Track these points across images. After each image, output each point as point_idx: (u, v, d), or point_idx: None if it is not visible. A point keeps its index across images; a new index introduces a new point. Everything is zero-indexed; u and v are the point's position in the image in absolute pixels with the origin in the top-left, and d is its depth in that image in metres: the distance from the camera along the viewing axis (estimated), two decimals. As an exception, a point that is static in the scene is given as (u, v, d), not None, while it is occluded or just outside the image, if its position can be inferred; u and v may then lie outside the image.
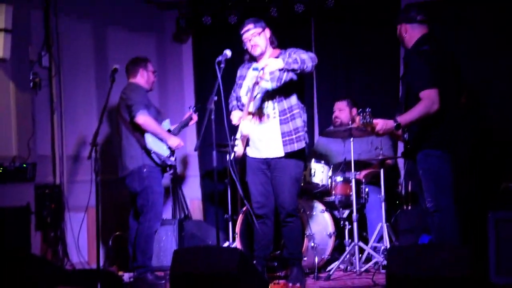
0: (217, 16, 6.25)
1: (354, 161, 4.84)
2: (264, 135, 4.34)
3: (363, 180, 5.11)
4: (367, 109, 3.80)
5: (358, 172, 5.02)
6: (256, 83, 4.17)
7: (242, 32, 4.37)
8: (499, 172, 5.12)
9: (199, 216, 6.51)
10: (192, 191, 6.57)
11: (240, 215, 5.16)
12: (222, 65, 4.23)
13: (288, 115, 4.28)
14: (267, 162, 4.38)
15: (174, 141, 4.94)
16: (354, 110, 5.37)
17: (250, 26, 4.34)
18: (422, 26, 4.15)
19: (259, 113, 4.32)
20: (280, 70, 4.17)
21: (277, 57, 4.28)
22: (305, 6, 5.85)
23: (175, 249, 4.24)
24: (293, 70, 4.16)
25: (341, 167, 5.14)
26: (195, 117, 5.31)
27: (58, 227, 5.31)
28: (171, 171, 6.12)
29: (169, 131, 5.06)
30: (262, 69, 4.09)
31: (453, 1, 5.56)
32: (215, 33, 6.39)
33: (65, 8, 5.75)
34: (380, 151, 5.02)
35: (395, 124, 3.86)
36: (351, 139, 4.84)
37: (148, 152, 4.83)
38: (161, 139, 4.90)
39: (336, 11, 5.87)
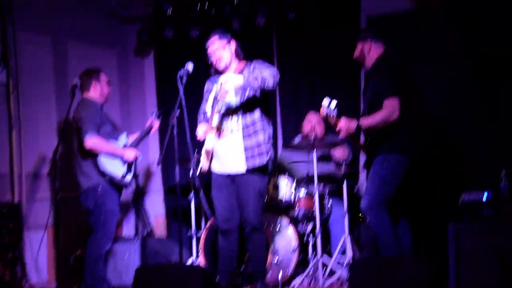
0: (179, 29, 6.21)
1: (318, 175, 4.84)
2: (227, 150, 4.31)
3: (326, 194, 5.13)
4: (335, 100, 3.95)
5: (321, 185, 5.02)
6: (215, 98, 4.15)
7: (207, 43, 4.35)
8: (459, 183, 5.21)
9: (163, 232, 6.44)
10: (156, 207, 6.50)
11: (204, 231, 5.11)
12: (184, 79, 4.21)
13: (251, 130, 4.26)
14: (231, 177, 4.36)
15: (129, 155, 4.80)
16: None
17: (216, 37, 4.32)
18: (381, 43, 4.34)
19: (222, 127, 4.30)
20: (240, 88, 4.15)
21: (241, 70, 4.27)
22: (266, 19, 5.87)
23: (137, 267, 4.16)
24: (253, 88, 4.15)
25: (304, 180, 5.15)
26: (156, 124, 5.14)
27: (17, 247, 5.17)
28: (133, 186, 6.06)
29: (125, 145, 4.91)
30: (221, 84, 4.07)
31: (414, 13, 5.63)
32: (177, 47, 6.36)
33: (24, 22, 5.65)
34: (343, 166, 5.03)
35: (357, 124, 4.11)
36: (314, 151, 4.84)
37: (102, 172, 4.70)
38: (115, 156, 4.78)
39: (297, 24, 5.89)
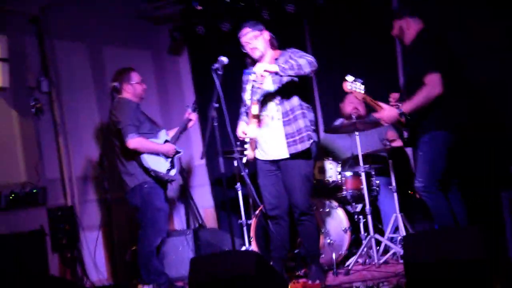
0: (210, 24, 6.27)
1: (362, 154, 4.83)
2: (269, 137, 4.35)
3: (373, 173, 5.11)
4: (359, 80, 4.05)
5: (367, 166, 5.00)
6: (253, 87, 4.16)
7: (240, 36, 4.38)
8: (508, 152, 5.12)
9: (213, 224, 6.52)
10: (204, 200, 6.58)
11: (254, 219, 5.16)
12: (220, 72, 4.25)
13: (291, 116, 4.29)
14: (276, 163, 4.39)
15: (168, 150, 4.84)
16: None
17: (248, 29, 4.35)
18: (418, 18, 4.32)
19: (262, 115, 4.33)
20: (276, 74, 4.17)
21: (277, 58, 4.30)
22: (295, 6, 5.86)
23: (191, 257, 4.23)
24: (288, 76, 4.17)
25: (349, 162, 5.14)
26: (194, 117, 5.12)
27: (75, 247, 5.33)
28: (180, 181, 6.14)
29: (166, 141, 4.95)
30: (254, 73, 4.11)
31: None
32: (209, 41, 6.41)
33: (59, 31, 5.80)
34: (387, 142, 5.01)
35: (400, 112, 4.07)
36: (357, 133, 4.83)
37: (146, 169, 4.74)
38: (157, 154, 4.82)
39: (327, 9, 5.87)
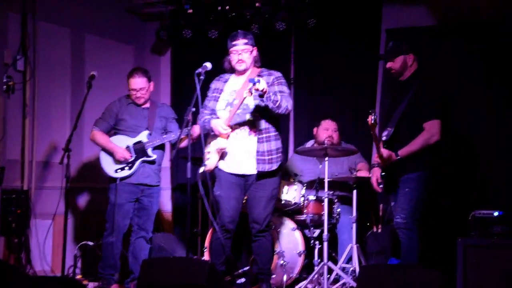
0: (198, 30, 6.24)
1: (328, 180, 4.83)
2: (241, 151, 4.32)
3: (336, 200, 5.12)
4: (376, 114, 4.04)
5: (331, 192, 5.01)
6: (250, 93, 4.06)
7: (232, 42, 4.34)
8: (468, 199, 5.21)
9: (168, 229, 6.44)
10: (162, 204, 6.49)
11: (211, 230, 5.10)
12: (202, 77, 4.23)
13: (266, 135, 4.30)
14: (243, 178, 4.35)
15: (116, 152, 4.89)
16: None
17: (244, 41, 4.32)
18: (415, 56, 4.43)
19: (238, 128, 4.30)
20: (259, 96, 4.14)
21: (260, 75, 4.30)
22: (286, 25, 5.88)
23: (143, 259, 4.16)
24: (272, 107, 4.17)
25: (314, 186, 5.14)
26: (196, 131, 4.71)
27: (23, 234, 5.19)
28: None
29: (139, 142, 4.92)
30: (258, 81, 4.02)
31: (433, 28, 5.65)
32: (195, 46, 6.39)
33: (44, 13, 5.71)
34: (354, 172, 5.02)
35: (397, 158, 4.19)
36: (326, 158, 4.83)
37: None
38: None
39: (316, 31, 5.91)
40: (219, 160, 4.37)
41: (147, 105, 5.04)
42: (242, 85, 4.33)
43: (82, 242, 5.28)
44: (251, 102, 4.28)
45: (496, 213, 4.27)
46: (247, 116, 4.30)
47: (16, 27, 5.55)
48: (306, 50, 6.15)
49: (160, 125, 5.03)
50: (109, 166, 4.90)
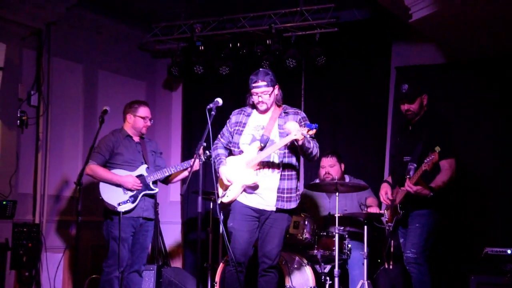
0: (209, 66, 6.33)
1: (338, 216, 4.83)
2: (263, 187, 4.29)
3: (346, 236, 5.10)
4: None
5: (342, 227, 4.99)
6: (296, 140, 4.06)
7: (252, 84, 4.33)
8: (481, 237, 5.19)
9: (178, 263, 6.43)
10: (173, 238, 6.50)
11: (221, 264, 5.08)
12: (213, 112, 4.24)
13: (288, 173, 4.30)
14: (260, 212, 4.34)
15: (123, 181, 4.79)
16: (343, 165, 5.40)
17: (263, 83, 4.29)
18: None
19: (265, 165, 4.31)
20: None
21: (287, 113, 4.33)
22: (296, 62, 5.96)
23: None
24: (302, 150, 4.19)
25: (325, 221, 5.13)
26: (196, 166, 4.68)
27: (34, 267, 5.18)
28: (152, 217, 6.05)
29: (141, 175, 4.89)
30: (316, 127, 4.03)
31: (441, 66, 5.71)
32: (206, 82, 6.47)
33: (58, 49, 5.83)
34: (365, 208, 5.02)
35: (431, 193, 4.22)
36: (337, 194, 4.84)
37: (100, 199, 4.76)
38: (117, 185, 4.80)
39: (326, 66, 5.98)
40: (238, 194, 4.35)
41: (137, 139, 5.01)
42: (268, 120, 4.35)
43: (92, 276, 5.25)
44: (277, 139, 4.28)
45: (509, 251, 4.25)
46: (274, 154, 4.30)
47: (30, 63, 5.65)
48: (316, 86, 6.22)
49: (151, 159, 5.03)
50: (112, 199, 4.79)
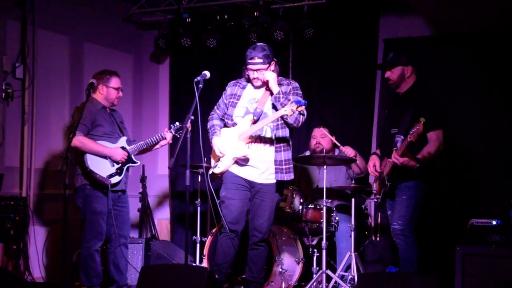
0: (196, 38, 6.27)
1: (327, 189, 4.85)
2: (256, 160, 4.31)
3: (334, 208, 5.13)
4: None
5: (330, 200, 5.02)
6: (292, 112, 4.10)
7: (249, 60, 4.31)
8: (467, 207, 5.25)
9: (166, 236, 6.45)
10: (161, 211, 6.51)
11: (210, 237, 5.10)
12: (201, 85, 4.23)
13: (282, 145, 4.33)
14: (250, 184, 4.35)
15: (113, 154, 4.76)
16: (334, 138, 5.41)
17: (259, 61, 4.28)
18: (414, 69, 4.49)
19: (257, 139, 4.32)
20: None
21: (279, 85, 4.33)
22: (284, 34, 5.92)
23: (142, 266, 4.14)
24: (287, 122, 4.25)
25: (313, 194, 5.15)
26: (169, 138, 4.99)
27: (21, 240, 5.17)
28: (140, 190, 6.07)
29: (123, 148, 4.86)
30: (305, 104, 4.08)
31: (430, 38, 5.69)
32: (193, 55, 6.41)
33: (43, 21, 5.72)
34: (352, 181, 5.04)
35: (417, 165, 4.22)
36: (325, 166, 4.85)
37: (89, 171, 4.69)
38: (104, 157, 4.77)
39: (314, 40, 5.95)
40: (229, 166, 4.36)
41: (109, 110, 4.92)
42: (262, 93, 4.34)
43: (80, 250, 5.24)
44: (270, 111, 4.29)
45: (494, 222, 4.29)
46: (267, 127, 4.31)
47: (15, 35, 5.56)
48: (304, 58, 6.18)
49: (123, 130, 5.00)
50: (102, 171, 4.72)
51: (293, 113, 4.09)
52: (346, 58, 5.99)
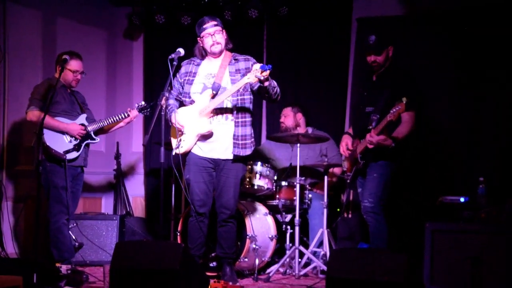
0: (171, 15, 6.23)
1: (300, 166, 4.90)
2: (217, 135, 4.34)
3: (307, 186, 5.20)
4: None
5: (303, 178, 5.09)
6: (257, 78, 4.05)
7: (203, 27, 4.36)
8: (436, 185, 5.35)
9: (141, 213, 6.47)
10: (135, 188, 6.52)
11: (183, 214, 5.13)
12: (175, 63, 4.24)
13: (243, 120, 4.35)
14: (215, 162, 4.39)
15: (70, 129, 4.78)
16: (300, 115, 5.46)
17: (214, 22, 4.35)
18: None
19: (218, 112, 4.33)
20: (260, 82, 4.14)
21: (237, 60, 4.35)
22: (258, 12, 5.92)
23: (117, 242, 4.16)
24: (268, 93, 4.22)
25: (286, 171, 5.21)
26: (133, 115, 5.00)
27: (-6, 216, 5.16)
28: (114, 167, 6.07)
29: (82, 125, 4.87)
30: (270, 68, 4.01)
31: (402, 18, 5.74)
32: (167, 32, 6.38)
33: (14, -5, 5.64)
34: (326, 158, 5.10)
35: (392, 144, 4.30)
36: (298, 144, 4.90)
37: (46, 147, 4.68)
38: (61, 132, 4.77)
39: (289, 18, 5.96)
40: (196, 142, 4.38)
41: (69, 90, 4.95)
42: (218, 68, 4.35)
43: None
44: (229, 85, 4.30)
45: (462, 199, 4.40)
46: (227, 101, 4.33)
47: (-15, 10, 5.48)
48: (278, 37, 6.20)
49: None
50: (58, 147, 4.74)
51: (258, 79, 4.07)
52: (320, 36, 6.02)
